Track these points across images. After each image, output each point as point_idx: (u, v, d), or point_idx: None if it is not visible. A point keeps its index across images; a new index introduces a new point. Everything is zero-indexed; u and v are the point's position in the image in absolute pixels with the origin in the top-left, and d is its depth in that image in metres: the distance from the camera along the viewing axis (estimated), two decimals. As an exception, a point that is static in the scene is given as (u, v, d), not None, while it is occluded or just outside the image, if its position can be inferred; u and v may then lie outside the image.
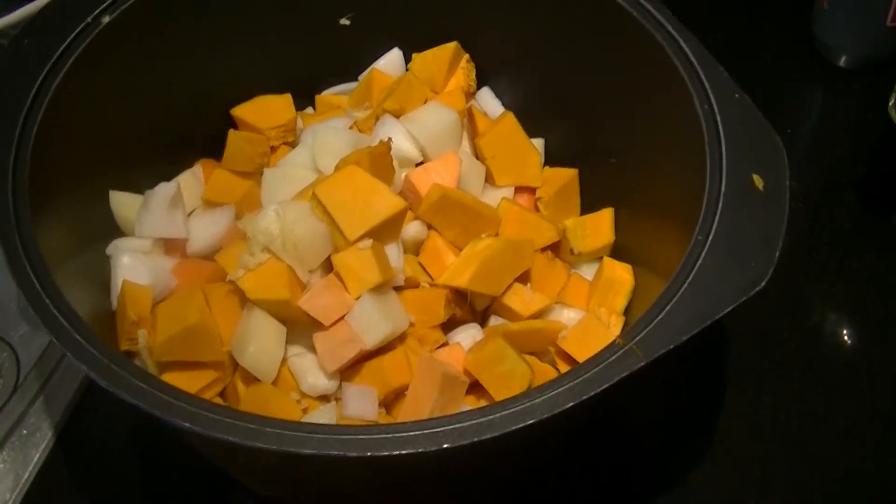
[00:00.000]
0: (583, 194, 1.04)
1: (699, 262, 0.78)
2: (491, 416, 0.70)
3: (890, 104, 1.07)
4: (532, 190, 1.01)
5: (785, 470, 0.97)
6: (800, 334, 1.06)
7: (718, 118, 0.85)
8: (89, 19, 0.91)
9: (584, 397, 0.71)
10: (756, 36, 1.34)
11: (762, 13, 1.36)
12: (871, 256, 1.12)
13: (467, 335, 0.92)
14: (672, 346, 0.74)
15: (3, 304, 1.08)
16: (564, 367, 0.92)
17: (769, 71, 1.26)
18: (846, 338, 1.07)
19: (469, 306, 0.94)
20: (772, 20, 1.35)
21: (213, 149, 1.03)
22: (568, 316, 0.95)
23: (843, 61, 1.27)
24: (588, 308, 0.96)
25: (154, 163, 1.00)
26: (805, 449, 0.99)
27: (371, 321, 0.84)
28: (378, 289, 0.85)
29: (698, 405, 1.02)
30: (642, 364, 0.73)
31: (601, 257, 1.01)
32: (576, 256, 0.99)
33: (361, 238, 0.85)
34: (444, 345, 0.92)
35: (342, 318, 0.85)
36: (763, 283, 0.76)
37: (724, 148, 0.83)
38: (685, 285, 0.77)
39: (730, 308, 0.75)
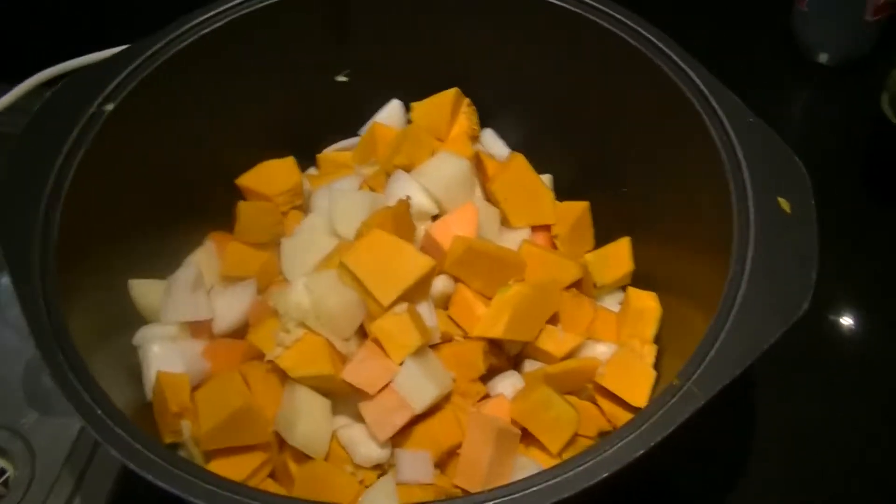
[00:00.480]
0: (595, 225, 1.05)
1: (741, 291, 0.78)
2: (566, 475, 0.70)
3: (882, 98, 1.09)
4: (547, 227, 1.01)
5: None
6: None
7: (736, 144, 0.85)
8: (93, 109, 0.90)
9: (653, 444, 0.72)
10: (735, 37, 1.35)
11: (740, 14, 1.37)
12: (872, 253, 1.13)
13: (507, 384, 0.92)
14: (729, 381, 0.74)
15: (8, 392, 1.06)
16: (604, 403, 0.92)
17: (751, 72, 1.27)
18: (851, 336, 1.08)
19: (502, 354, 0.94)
20: (750, 21, 1.37)
21: (222, 221, 1.03)
22: (600, 350, 0.95)
23: (824, 59, 1.28)
24: (619, 340, 0.96)
25: (165, 242, 1.00)
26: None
27: (417, 385, 0.84)
28: (419, 351, 0.85)
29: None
30: (703, 403, 0.73)
31: (622, 287, 1.01)
32: (598, 289, 1.00)
33: (395, 302, 0.85)
34: (486, 396, 0.92)
35: (387, 385, 0.85)
36: (806, 307, 0.77)
37: (745, 173, 0.84)
38: (731, 318, 0.77)
39: (778, 335, 0.76)
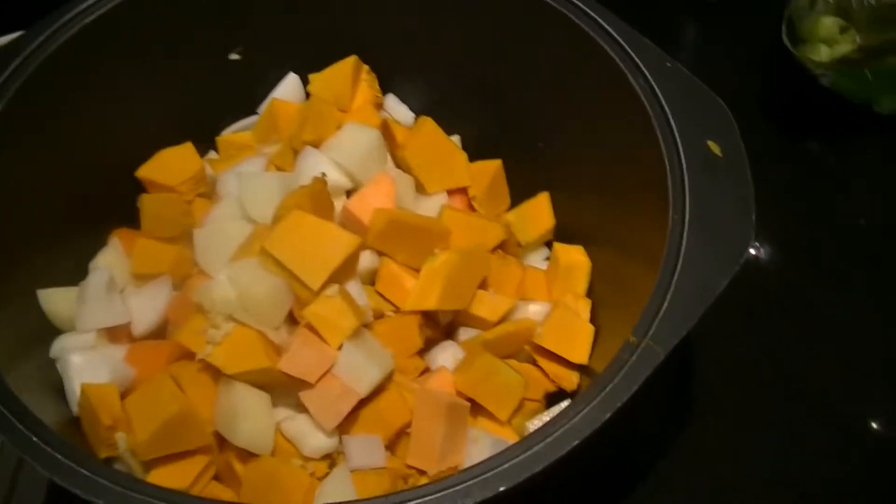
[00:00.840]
0: (508, 184, 1.02)
1: (684, 242, 0.77)
2: (536, 448, 0.69)
3: (782, 31, 1.09)
4: (463, 190, 0.99)
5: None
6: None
7: (657, 90, 0.84)
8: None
9: (619, 405, 0.71)
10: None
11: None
12: (786, 187, 1.14)
13: (447, 355, 0.90)
14: (685, 333, 0.73)
15: None
16: (545, 363, 0.91)
17: (639, 11, 1.26)
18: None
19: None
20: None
21: (125, 217, 0.98)
22: (533, 310, 0.94)
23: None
24: (551, 298, 0.95)
25: (68, 246, 0.94)
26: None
27: (360, 368, 0.81)
28: (355, 333, 0.82)
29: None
30: (662, 358, 0.72)
31: (545, 243, 1.00)
32: (522, 248, 0.98)
33: (325, 285, 0.82)
34: (426, 370, 0.90)
35: (327, 371, 0.82)
36: (749, 250, 0.77)
37: (671, 119, 0.83)
38: (678, 269, 0.76)
39: (726, 282, 0.75)
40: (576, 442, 0.69)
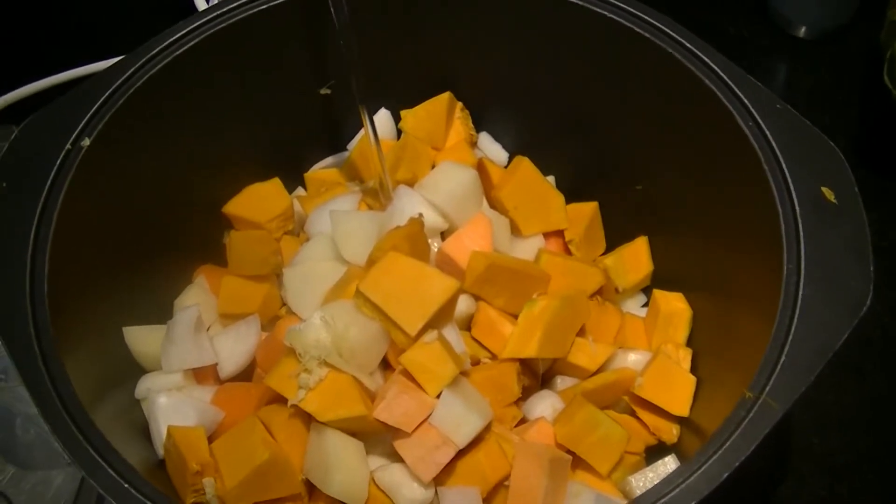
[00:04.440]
0: (605, 226, 0.99)
1: (800, 292, 0.74)
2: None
3: (885, 70, 1.05)
4: (560, 233, 0.96)
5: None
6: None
7: (768, 132, 0.81)
8: (69, 145, 0.82)
9: (738, 463, 0.67)
10: (711, 15, 1.31)
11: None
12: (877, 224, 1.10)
13: (546, 405, 0.86)
14: (804, 389, 0.70)
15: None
16: (645, 415, 0.88)
17: (729, 49, 1.23)
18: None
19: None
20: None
21: (211, 253, 0.96)
22: (632, 359, 0.90)
23: (802, 32, 1.24)
24: (651, 347, 0.91)
25: (153, 282, 0.93)
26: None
27: (458, 418, 0.78)
28: (455, 381, 0.79)
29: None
30: (781, 415, 0.69)
31: (642, 289, 0.97)
32: (619, 294, 0.95)
33: (422, 330, 0.79)
34: (522, 420, 0.86)
35: (424, 420, 0.79)
36: (869, 301, 0.73)
37: (783, 163, 0.79)
38: (795, 322, 0.73)
39: (845, 336, 0.72)
40: (694, 502, 0.66)
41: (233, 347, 0.88)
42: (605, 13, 0.89)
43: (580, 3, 0.90)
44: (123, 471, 0.69)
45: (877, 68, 1.08)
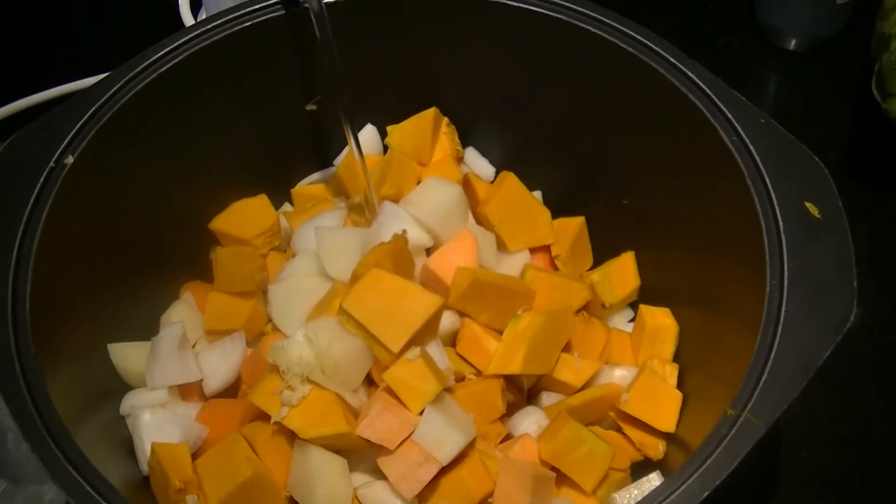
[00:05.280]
0: (591, 241, 0.99)
1: (783, 308, 0.73)
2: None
3: (873, 83, 1.05)
4: (546, 248, 0.96)
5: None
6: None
7: (752, 147, 0.80)
8: (52, 163, 0.82)
9: (719, 481, 0.67)
10: (700, 27, 1.31)
11: (703, 4, 1.34)
12: (868, 236, 1.10)
13: (531, 422, 0.86)
14: (787, 406, 0.70)
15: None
16: (631, 431, 0.87)
17: (719, 62, 1.23)
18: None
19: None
20: (714, 9, 1.33)
21: (198, 269, 0.96)
22: (618, 375, 0.90)
23: (792, 45, 1.24)
24: (637, 362, 0.91)
25: (139, 299, 0.92)
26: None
27: (442, 435, 0.78)
28: (438, 398, 0.79)
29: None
30: (763, 433, 0.69)
31: (628, 304, 0.96)
32: (606, 309, 0.95)
33: (405, 347, 0.79)
34: (508, 436, 0.86)
35: (407, 437, 0.79)
36: (852, 318, 0.73)
37: (767, 179, 0.79)
38: (777, 338, 0.72)
39: (828, 352, 0.71)
40: (674, 521, 0.66)
41: (218, 364, 0.88)
42: (591, 28, 0.89)
43: (566, 18, 0.90)
44: (104, 490, 0.68)
45: (867, 80, 1.08)
